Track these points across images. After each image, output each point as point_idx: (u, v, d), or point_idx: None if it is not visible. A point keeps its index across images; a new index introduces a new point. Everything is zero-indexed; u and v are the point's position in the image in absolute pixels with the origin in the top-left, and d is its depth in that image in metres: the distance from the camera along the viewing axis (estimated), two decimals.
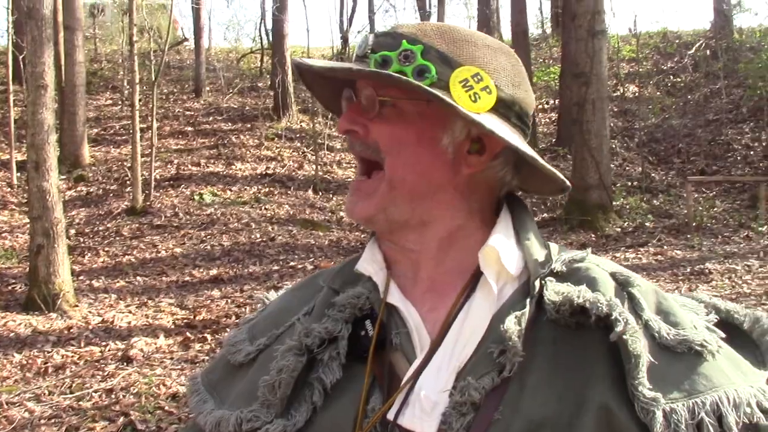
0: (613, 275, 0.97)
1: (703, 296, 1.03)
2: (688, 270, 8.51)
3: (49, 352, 6.11)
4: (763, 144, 13.45)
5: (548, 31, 25.39)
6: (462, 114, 0.90)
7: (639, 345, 0.86)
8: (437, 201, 0.97)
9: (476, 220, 1.00)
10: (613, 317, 0.88)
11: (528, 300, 0.92)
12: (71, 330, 6.79)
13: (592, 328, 0.90)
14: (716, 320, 0.97)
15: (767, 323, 0.98)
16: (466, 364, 0.91)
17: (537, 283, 0.94)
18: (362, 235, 10.97)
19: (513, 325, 0.89)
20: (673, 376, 0.87)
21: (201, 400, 1.08)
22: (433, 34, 0.96)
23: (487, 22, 17.46)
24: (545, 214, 12.06)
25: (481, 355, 0.90)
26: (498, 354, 0.89)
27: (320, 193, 13.33)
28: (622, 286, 0.95)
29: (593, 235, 10.83)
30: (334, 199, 13.07)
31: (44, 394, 5.12)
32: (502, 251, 0.95)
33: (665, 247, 9.99)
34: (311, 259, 9.69)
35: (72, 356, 6.01)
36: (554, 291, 0.92)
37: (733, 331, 0.97)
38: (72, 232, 10.89)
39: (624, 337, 0.86)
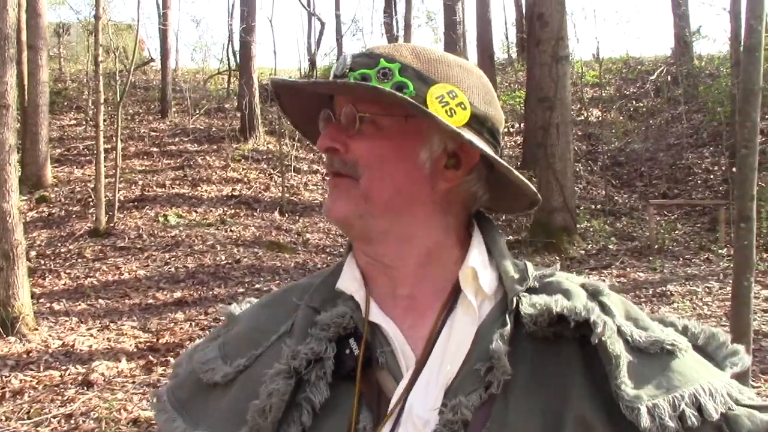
0: (583, 286, 1.00)
1: (659, 316, 1.07)
2: (650, 292, 8.64)
3: (6, 377, 5.97)
4: (723, 168, 13.72)
5: (514, 56, 25.71)
6: (444, 126, 0.92)
7: (618, 346, 0.90)
8: (415, 216, 0.99)
9: (452, 237, 1.02)
10: (591, 320, 0.91)
11: (507, 316, 0.95)
12: (30, 354, 6.65)
13: (568, 339, 0.93)
14: None
15: (722, 338, 1.03)
16: (453, 381, 0.92)
17: (515, 300, 0.96)
18: (328, 258, 10.94)
19: (500, 344, 0.91)
20: (650, 375, 0.90)
21: (169, 419, 1.06)
22: (408, 54, 0.98)
23: (453, 46, 17.63)
24: (510, 237, 12.14)
25: (468, 373, 0.92)
26: (485, 372, 0.91)
27: (286, 215, 13.27)
28: (593, 296, 0.98)
29: (557, 258, 10.93)
30: (301, 221, 13.02)
31: (1, 420, 5.01)
32: (479, 270, 0.98)
33: (628, 269, 10.12)
34: (277, 281, 9.63)
35: (30, 381, 5.88)
36: (529, 304, 0.95)
37: None
38: (32, 253, 10.69)
39: (603, 339, 0.90)
